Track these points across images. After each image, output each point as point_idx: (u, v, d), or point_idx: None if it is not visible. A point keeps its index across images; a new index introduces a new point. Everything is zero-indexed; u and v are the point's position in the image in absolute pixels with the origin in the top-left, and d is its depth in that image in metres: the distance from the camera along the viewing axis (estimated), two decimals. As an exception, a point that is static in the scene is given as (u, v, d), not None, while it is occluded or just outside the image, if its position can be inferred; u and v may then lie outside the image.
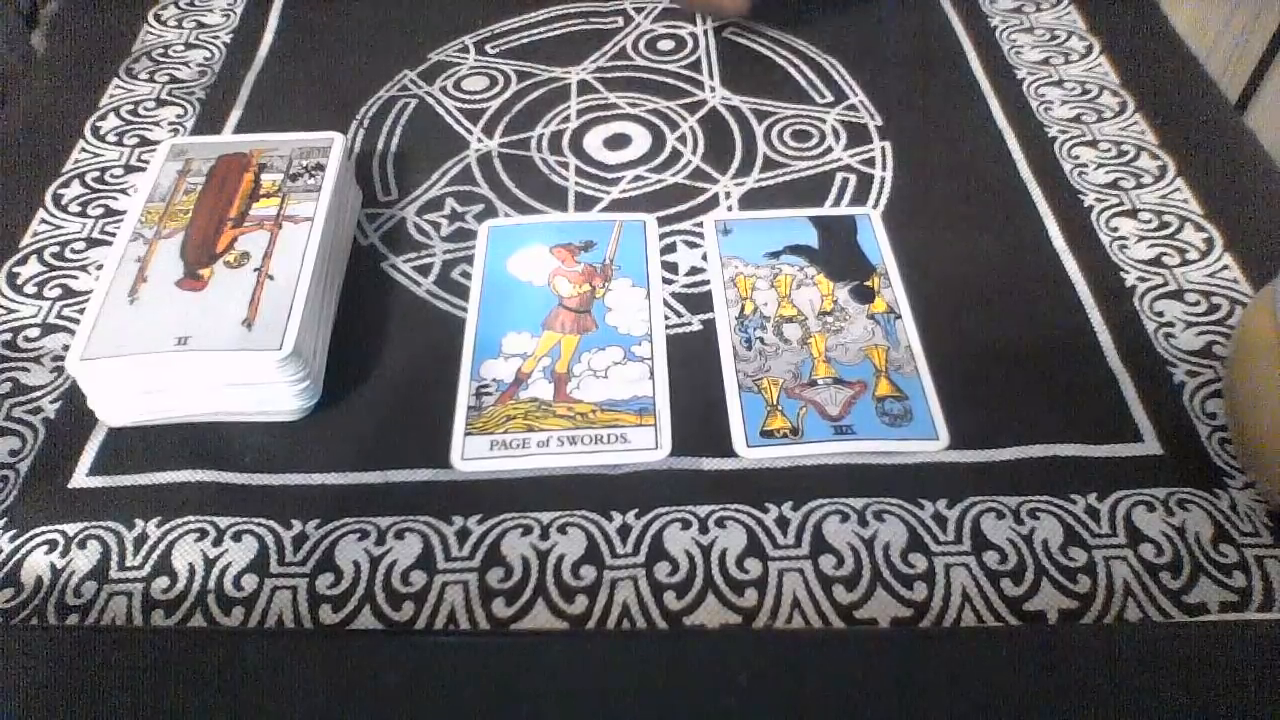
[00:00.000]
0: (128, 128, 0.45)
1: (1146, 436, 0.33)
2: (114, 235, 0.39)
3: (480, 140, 0.45)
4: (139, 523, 0.31)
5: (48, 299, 0.38)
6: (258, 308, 0.32)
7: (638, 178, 0.43)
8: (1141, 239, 0.39)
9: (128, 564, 0.30)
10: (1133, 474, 0.32)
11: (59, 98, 0.47)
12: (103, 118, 0.46)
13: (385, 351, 0.36)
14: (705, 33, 0.51)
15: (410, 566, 0.30)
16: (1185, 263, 0.38)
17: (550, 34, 0.51)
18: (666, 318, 0.37)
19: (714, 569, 0.29)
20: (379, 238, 0.40)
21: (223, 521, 0.31)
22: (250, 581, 0.29)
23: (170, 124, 0.46)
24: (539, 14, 0.52)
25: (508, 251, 0.39)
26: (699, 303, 0.37)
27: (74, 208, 0.41)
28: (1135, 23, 0.51)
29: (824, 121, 0.46)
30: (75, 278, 0.38)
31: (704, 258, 0.39)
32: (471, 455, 0.32)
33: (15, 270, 0.39)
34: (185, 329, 0.32)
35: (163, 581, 0.29)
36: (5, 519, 0.31)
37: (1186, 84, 0.47)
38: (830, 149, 0.44)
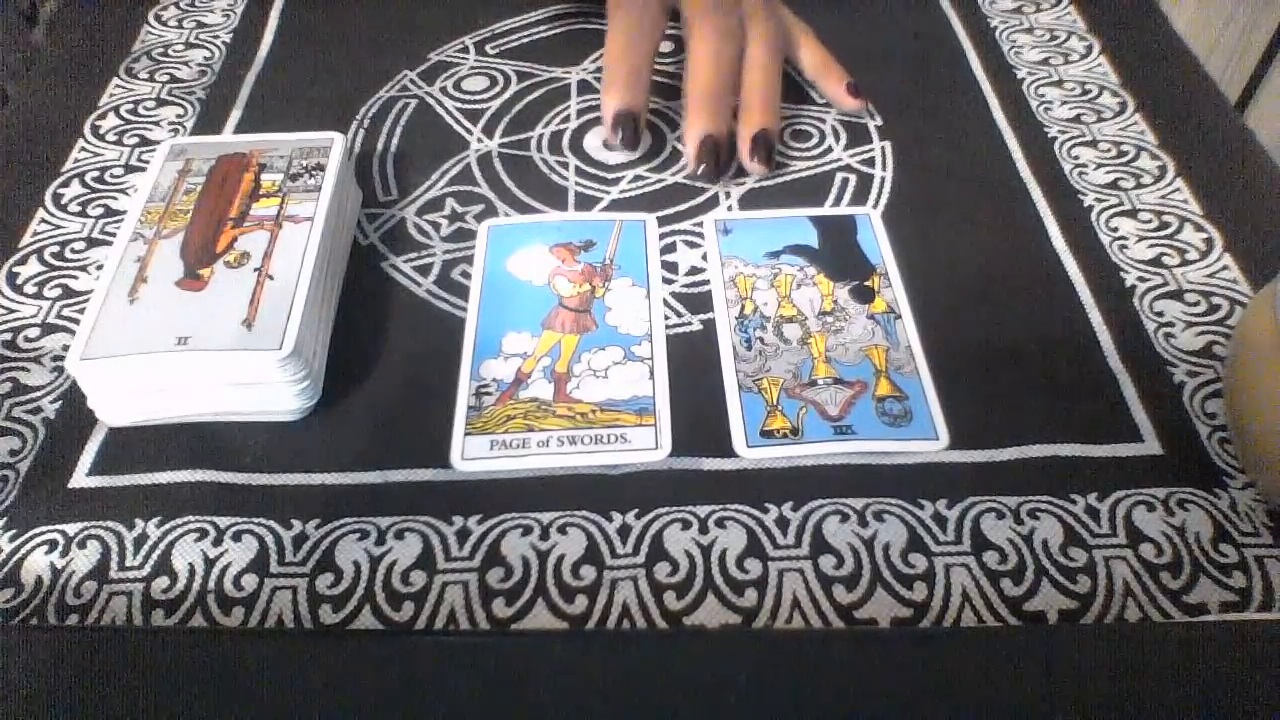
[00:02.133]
0: (128, 127, 0.45)
1: (1146, 436, 0.33)
2: (114, 235, 0.39)
3: (480, 140, 0.45)
4: (139, 523, 0.31)
5: (48, 299, 0.38)
6: (258, 308, 0.32)
7: (638, 177, 0.43)
8: (1141, 239, 0.39)
9: (128, 564, 0.30)
10: (1133, 474, 0.32)
11: (59, 97, 0.47)
12: (102, 117, 0.46)
13: (385, 351, 0.36)
14: (705, 33, 0.51)
15: (410, 566, 0.30)
16: (1185, 263, 0.38)
17: (550, 34, 0.51)
18: (666, 318, 0.37)
19: (714, 569, 0.29)
20: (379, 238, 0.40)
21: (223, 521, 0.31)
22: (250, 581, 0.29)
23: (170, 124, 0.46)
24: (539, 14, 0.52)
25: (507, 251, 0.39)
26: (699, 302, 0.37)
27: (74, 207, 0.41)
28: (1135, 23, 0.51)
29: (824, 121, 0.46)
30: (75, 278, 0.38)
31: (704, 257, 0.39)
32: (471, 455, 0.32)
33: (15, 270, 0.39)
34: (185, 329, 0.32)
35: (163, 581, 0.29)
36: (5, 519, 0.31)
37: (1186, 84, 0.47)
38: (830, 149, 0.44)
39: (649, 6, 0.41)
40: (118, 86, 0.48)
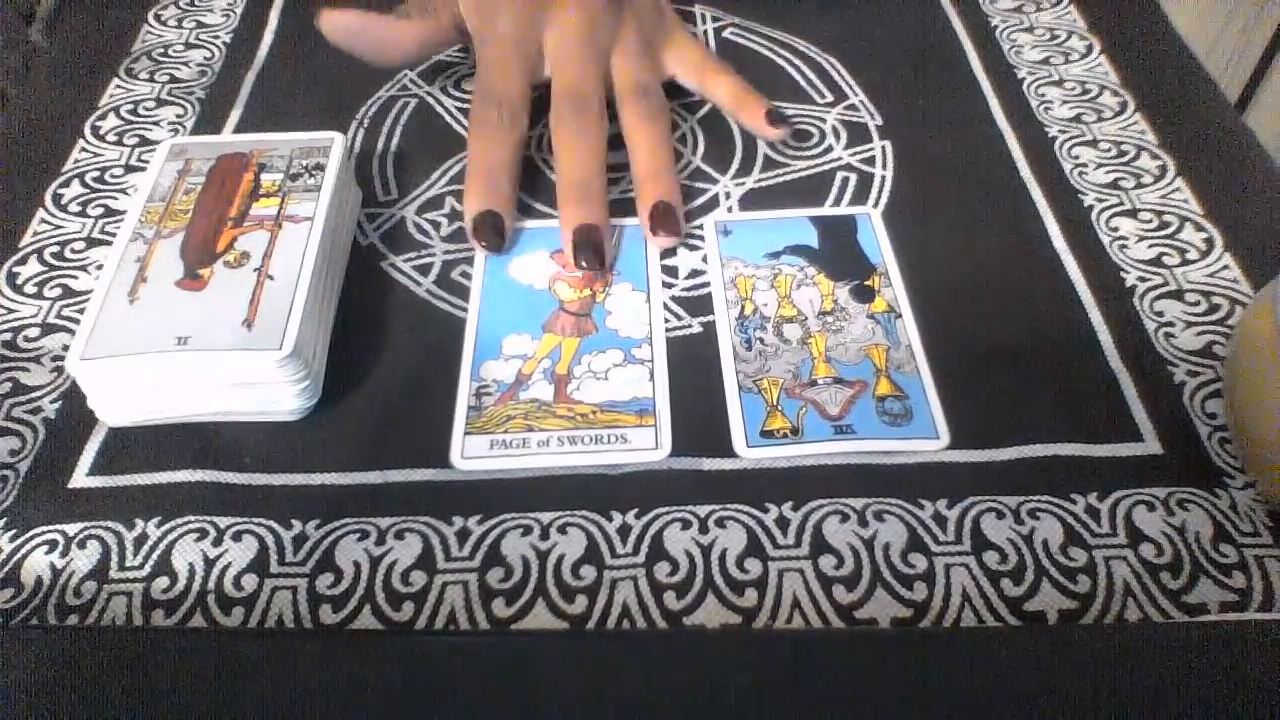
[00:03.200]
0: (128, 127, 0.45)
1: (1146, 436, 0.33)
2: (114, 235, 0.39)
3: (480, 140, 0.45)
4: (139, 523, 0.31)
5: (48, 299, 0.38)
6: (258, 308, 0.32)
7: (638, 178, 0.43)
8: (1141, 239, 0.39)
9: (128, 564, 0.30)
10: (1133, 474, 0.32)
11: (59, 98, 0.47)
12: (102, 117, 0.46)
13: (385, 351, 0.36)
14: (705, 33, 0.51)
15: (410, 566, 0.30)
16: (1185, 263, 0.38)
17: (550, 34, 0.51)
18: (667, 321, 0.37)
19: (714, 569, 0.29)
20: (379, 237, 0.40)
21: (223, 521, 0.31)
22: (250, 581, 0.29)
23: (170, 124, 0.46)
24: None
25: (509, 256, 0.39)
26: (699, 305, 0.37)
27: (74, 207, 0.41)
28: (1135, 23, 0.51)
29: (824, 121, 0.46)
30: (75, 278, 0.38)
31: (704, 259, 0.39)
32: (471, 455, 0.32)
33: (15, 270, 0.39)
34: (185, 329, 0.32)
35: (163, 581, 0.29)
36: (5, 519, 0.31)
37: (1186, 84, 0.47)
38: (830, 148, 0.44)
39: (509, 108, 0.40)
40: (118, 87, 0.48)
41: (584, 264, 0.37)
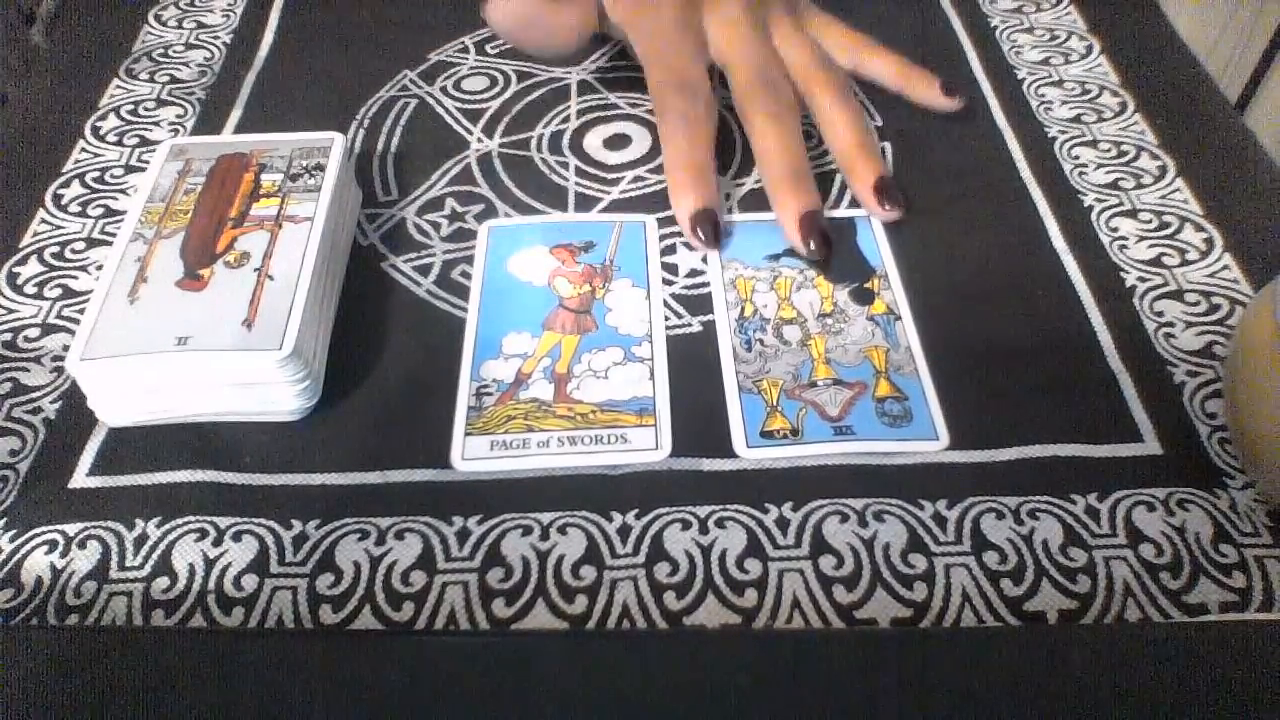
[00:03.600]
0: (128, 128, 0.45)
1: (1146, 436, 0.33)
2: (114, 235, 0.39)
3: (480, 140, 0.45)
4: (139, 523, 0.31)
5: (48, 299, 0.38)
6: (258, 308, 0.32)
7: (638, 178, 0.43)
8: (1141, 239, 0.39)
9: (128, 564, 0.30)
10: (1133, 474, 0.32)
11: (59, 98, 0.47)
12: (103, 118, 0.46)
13: (385, 351, 0.36)
14: (705, 33, 0.51)
15: (410, 567, 0.30)
16: (1185, 263, 0.38)
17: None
18: (666, 319, 0.37)
19: (714, 569, 0.29)
20: (379, 238, 0.40)
21: (223, 521, 0.31)
22: (250, 581, 0.29)
23: (170, 124, 0.46)
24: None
25: (508, 252, 0.39)
26: (699, 304, 0.37)
27: (74, 208, 0.41)
28: (1135, 23, 0.51)
29: (824, 122, 0.46)
30: (75, 278, 0.38)
31: (704, 259, 0.39)
32: (472, 455, 0.32)
33: (15, 270, 0.39)
34: (185, 329, 0.32)
35: (163, 581, 0.29)
36: (5, 519, 0.31)
37: (1186, 84, 0.47)
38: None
39: (698, 95, 0.39)
40: (118, 87, 0.48)
41: (814, 251, 0.37)
